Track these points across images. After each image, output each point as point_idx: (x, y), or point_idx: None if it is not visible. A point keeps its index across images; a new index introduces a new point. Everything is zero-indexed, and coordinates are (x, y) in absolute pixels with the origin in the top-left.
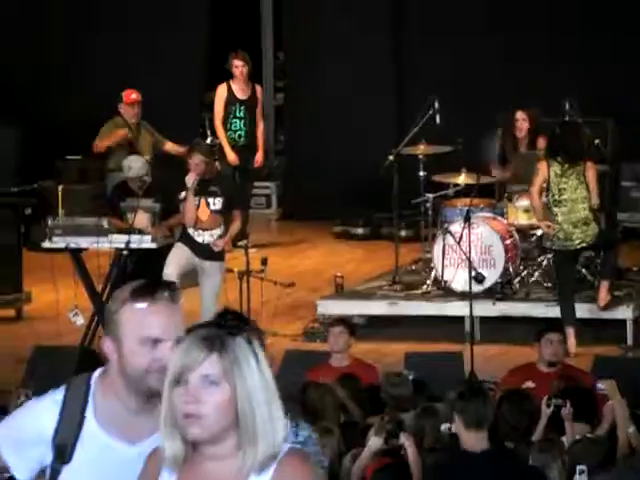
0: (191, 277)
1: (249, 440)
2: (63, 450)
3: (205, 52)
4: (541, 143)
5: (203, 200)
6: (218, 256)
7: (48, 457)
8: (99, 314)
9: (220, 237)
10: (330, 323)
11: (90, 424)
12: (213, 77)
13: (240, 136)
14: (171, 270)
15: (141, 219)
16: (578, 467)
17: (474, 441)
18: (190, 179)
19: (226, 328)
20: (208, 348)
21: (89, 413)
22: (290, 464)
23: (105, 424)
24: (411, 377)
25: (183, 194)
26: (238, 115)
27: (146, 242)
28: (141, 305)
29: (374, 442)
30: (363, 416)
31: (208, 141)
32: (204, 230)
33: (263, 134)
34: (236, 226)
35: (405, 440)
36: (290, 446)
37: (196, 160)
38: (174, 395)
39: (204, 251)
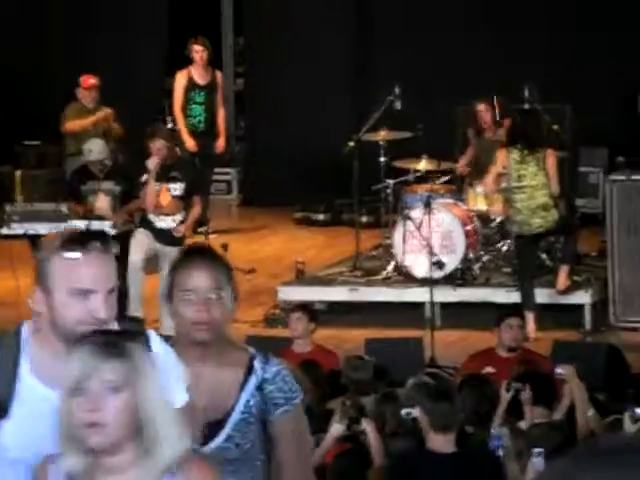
0: (153, 262)
1: (151, 447)
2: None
3: (165, 38)
4: (506, 124)
5: (164, 185)
6: (179, 242)
7: None
8: None
9: (181, 223)
10: (290, 309)
11: (25, 377)
12: (173, 63)
13: (200, 122)
14: (137, 257)
15: (102, 202)
16: (535, 450)
17: (441, 443)
18: (152, 163)
19: (124, 334)
20: (107, 354)
21: (24, 366)
22: (195, 471)
23: (41, 375)
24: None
25: (144, 177)
26: (198, 101)
27: (106, 227)
28: (72, 255)
29: (336, 428)
30: (321, 401)
31: (168, 127)
32: (165, 215)
33: (224, 120)
34: (196, 211)
35: (366, 425)
36: (194, 453)
37: (158, 145)
38: (72, 405)
39: (165, 236)
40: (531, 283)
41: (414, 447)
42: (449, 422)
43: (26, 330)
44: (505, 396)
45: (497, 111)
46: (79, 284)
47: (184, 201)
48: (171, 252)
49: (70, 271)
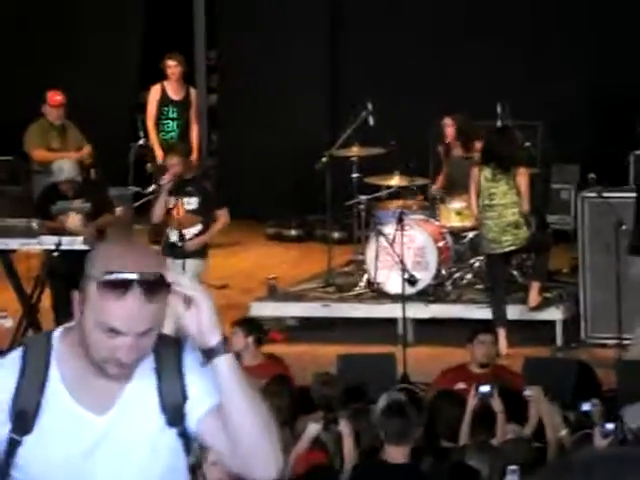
0: None
1: None
2: (24, 418)
3: (139, 52)
4: (477, 147)
5: (179, 200)
6: (195, 254)
7: (5, 428)
8: (27, 317)
9: (196, 236)
10: (233, 323)
11: (55, 386)
12: (147, 78)
13: (173, 137)
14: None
15: (73, 220)
16: (509, 467)
17: (394, 454)
18: (165, 179)
19: None
20: None
21: (53, 374)
22: None
23: (70, 387)
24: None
25: (151, 188)
26: (171, 116)
27: (77, 244)
28: (108, 296)
29: (313, 428)
30: (295, 417)
31: (141, 142)
32: (180, 230)
33: (197, 136)
34: (219, 225)
35: (344, 427)
36: None
37: (173, 161)
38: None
39: (173, 249)
40: (503, 300)
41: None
42: (400, 436)
43: (57, 335)
44: (471, 402)
45: (459, 127)
46: (107, 320)
47: (202, 215)
48: (179, 264)
49: (103, 305)
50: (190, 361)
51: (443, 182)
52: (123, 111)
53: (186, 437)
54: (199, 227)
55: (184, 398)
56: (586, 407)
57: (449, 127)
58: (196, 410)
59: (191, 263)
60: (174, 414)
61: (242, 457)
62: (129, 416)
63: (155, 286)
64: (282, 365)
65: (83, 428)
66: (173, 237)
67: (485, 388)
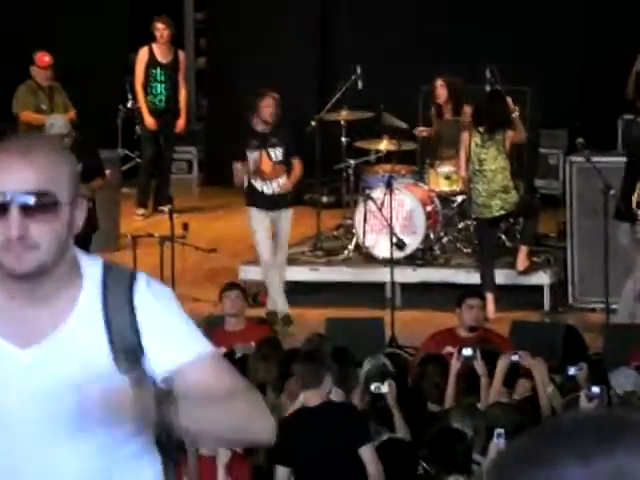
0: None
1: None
2: None
3: (127, 15)
4: (467, 111)
5: (265, 153)
6: (288, 203)
7: None
8: None
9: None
10: (224, 288)
11: None
12: (135, 40)
13: (161, 100)
14: (266, 255)
15: None
16: (496, 431)
17: (308, 398)
18: (260, 125)
19: None
20: None
21: None
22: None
23: None
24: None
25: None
26: (159, 79)
27: None
28: None
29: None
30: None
31: (129, 105)
32: (270, 181)
33: (185, 100)
34: (297, 172)
35: (334, 394)
36: None
37: (268, 101)
38: None
39: (274, 201)
40: (491, 264)
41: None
42: (308, 381)
43: None
44: (455, 365)
45: (451, 89)
46: None
47: (286, 164)
48: (280, 215)
49: None
50: (144, 296)
51: (431, 133)
52: (111, 73)
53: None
54: (285, 177)
55: (137, 337)
56: (572, 371)
57: (441, 87)
58: (162, 358)
59: (286, 213)
60: (125, 355)
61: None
62: (65, 353)
63: (34, 141)
64: (266, 328)
65: (6, 364)
66: (269, 190)
67: (468, 351)
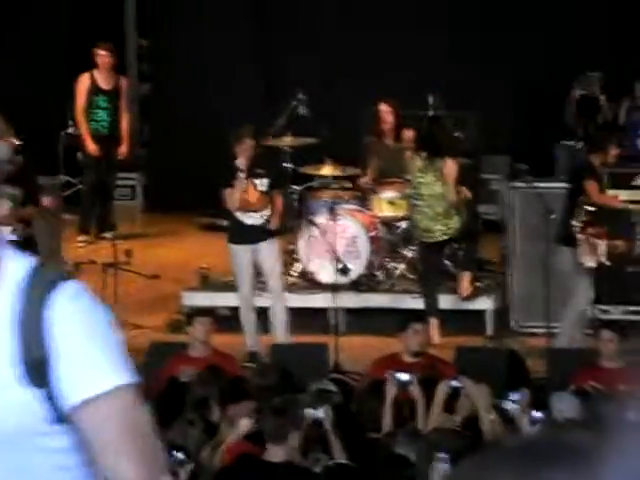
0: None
1: None
2: None
3: (68, 40)
4: (407, 135)
5: (250, 182)
6: (272, 234)
7: None
8: None
9: (270, 217)
10: (195, 313)
11: None
12: (77, 66)
13: (103, 127)
14: (246, 288)
15: (1, 207)
16: (439, 455)
17: (272, 452)
18: (241, 163)
19: None
20: None
21: None
22: None
23: None
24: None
25: (240, 175)
26: (101, 105)
27: (7, 234)
28: None
29: (245, 423)
30: (224, 406)
31: (70, 130)
32: (254, 212)
33: (128, 126)
34: (279, 205)
35: None
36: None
37: (245, 145)
38: None
39: (257, 232)
40: (435, 289)
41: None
42: (276, 435)
43: None
44: (390, 390)
45: (396, 114)
46: None
47: (270, 196)
48: (261, 247)
49: None
50: (63, 309)
51: (373, 174)
52: (52, 100)
53: (53, 404)
54: (269, 208)
55: (46, 353)
56: (515, 397)
57: (386, 113)
58: (67, 385)
59: (271, 242)
60: (30, 369)
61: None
62: None
63: None
64: (232, 358)
65: None
66: (250, 220)
67: (404, 376)
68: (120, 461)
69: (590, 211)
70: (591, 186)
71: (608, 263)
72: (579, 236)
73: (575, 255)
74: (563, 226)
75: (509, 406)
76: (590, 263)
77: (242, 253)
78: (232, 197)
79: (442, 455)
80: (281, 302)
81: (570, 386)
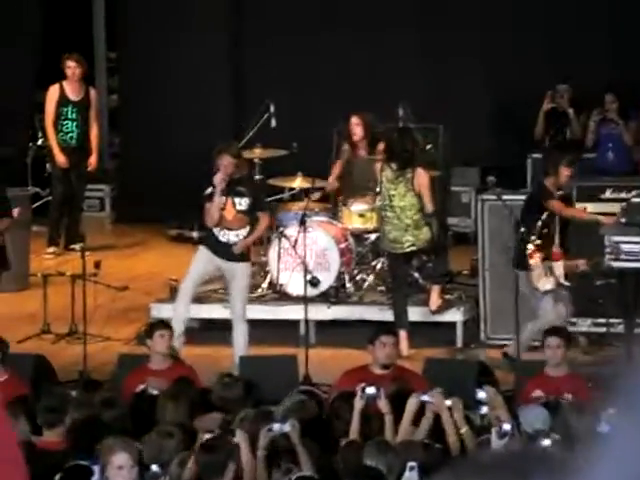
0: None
1: None
2: None
3: (37, 52)
4: (381, 148)
5: (229, 200)
6: (242, 257)
7: None
8: None
9: (245, 238)
10: (155, 325)
11: None
12: (46, 78)
13: (72, 138)
14: (187, 283)
15: None
16: (409, 464)
17: None
18: (217, 179)
19: None
20: None
21: None
22: None
23: None
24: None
25: (209, 190)
26: (70, 117)
27: None
28: None
29: (207, 437)
30: (191, 419)
31: (39, 142)
32: (229, 230)
33: (97, 137)
34: (262, 227)
35: (240, 438)
36: None
37: (225, 161)
38: None
39: (226, 251)
40: (404, 301)
41: None
42: (213, 473)
43: None
44: (358, 403)
45: (366, 126)
46: None
47: (249, 216)
48: (233, 268)
49: None
50: None
51: (338, 172)
52: (20, 111)
53: None
54: (247, 229)
55: None
56: (481, 395)
57: (356, 125)
58: None
59: (243, 266)
60: None
61: None
62: None
63: None
64: (189, 368)
65: None
66: (224, 237)
67: (371, 390)
68: None
69: (544, 234)
70: (555, 204)
71: (567, 284)
72: (531, 261)
73: (529, 280)
74: (517, 251)
75: (481, 410)
76: (547, 286)
77: (206, 257)
78: (209, 213)
79: (412, 463)
80: (242, 325)
81: (519, 397)
